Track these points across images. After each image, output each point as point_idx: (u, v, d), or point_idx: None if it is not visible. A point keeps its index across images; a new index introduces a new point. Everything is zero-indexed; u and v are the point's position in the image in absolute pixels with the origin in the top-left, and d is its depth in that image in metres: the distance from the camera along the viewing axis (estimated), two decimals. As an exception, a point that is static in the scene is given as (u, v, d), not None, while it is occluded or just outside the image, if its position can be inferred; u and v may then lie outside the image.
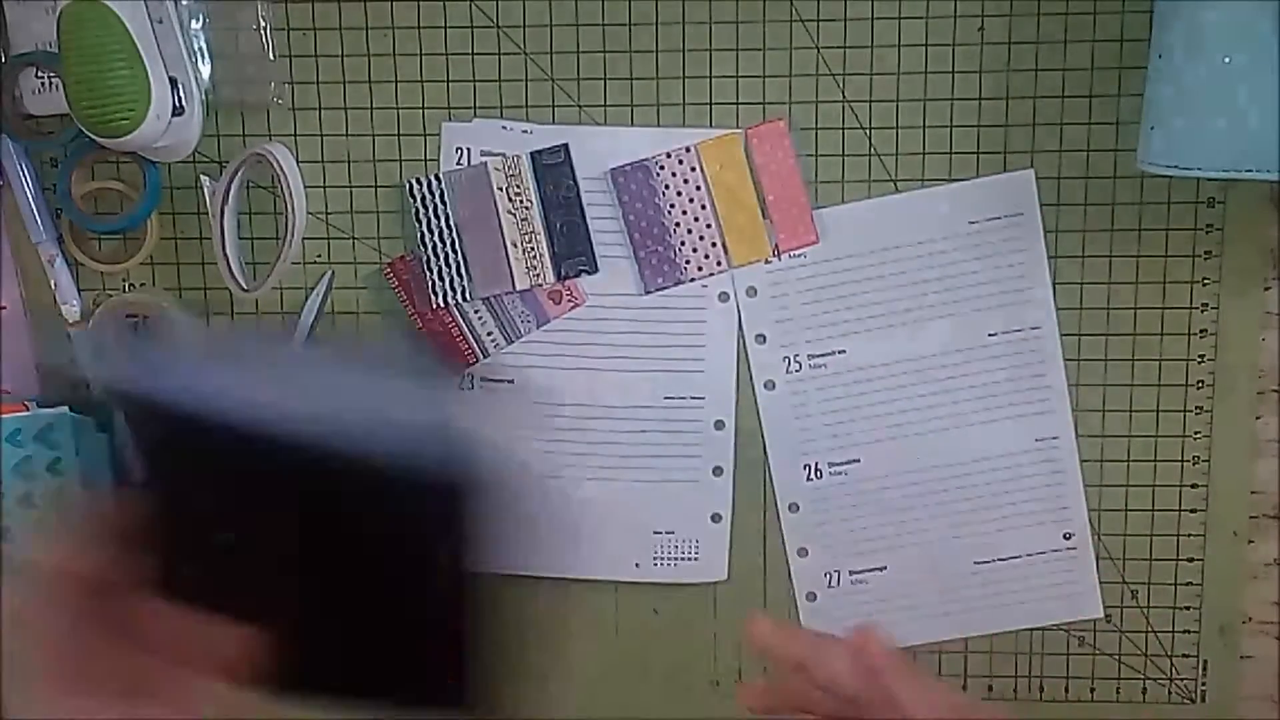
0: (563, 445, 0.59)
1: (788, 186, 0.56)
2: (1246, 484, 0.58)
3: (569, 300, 0.58)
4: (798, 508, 0.59)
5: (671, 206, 0.57)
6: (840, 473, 0.59)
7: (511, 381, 0.59)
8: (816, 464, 0.59)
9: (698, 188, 0.56)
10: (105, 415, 0.58)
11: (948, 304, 0.57)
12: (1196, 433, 0.58)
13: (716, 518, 0.60)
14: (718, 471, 0.59)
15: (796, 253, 0.57)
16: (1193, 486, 0.58)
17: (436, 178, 0.57)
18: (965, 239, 0.57)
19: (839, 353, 0.58)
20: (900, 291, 0.57)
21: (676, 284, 0.57)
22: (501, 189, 0.56)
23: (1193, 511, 0.58)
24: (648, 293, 0.57)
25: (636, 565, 0.60)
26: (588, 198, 0.57)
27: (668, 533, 0.60)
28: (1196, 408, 0.58)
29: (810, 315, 0.58)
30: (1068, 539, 0.59)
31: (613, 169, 0.56)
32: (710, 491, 0.59)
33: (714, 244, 0.57)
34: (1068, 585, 0.59)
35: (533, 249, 0.57)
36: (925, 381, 0.58)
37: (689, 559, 0.60)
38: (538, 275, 0.57)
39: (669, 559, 0.60)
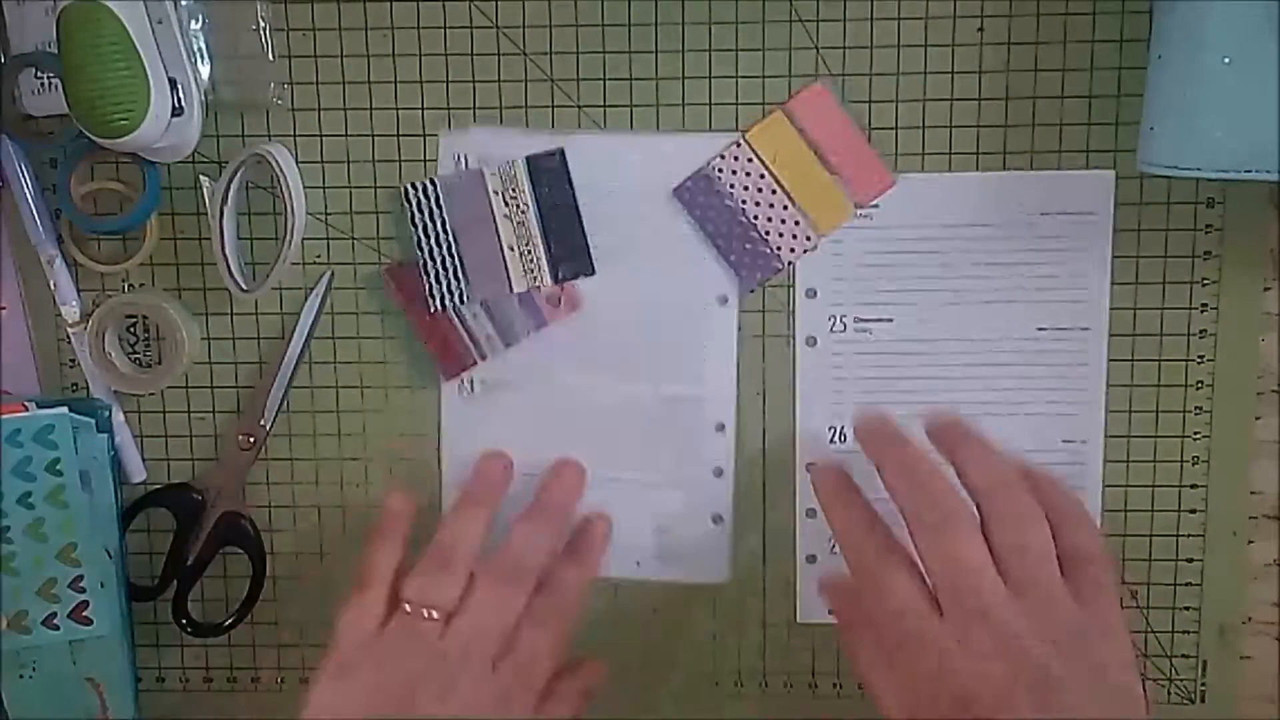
0: (561, 447, 0.59)
1: (847, 141, 0.56)
2: (1246, 484, 0.58)
3: (567, 305, 0.58)
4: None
5: (744, 204, 0.56)
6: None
7: (511, 384, 0.59)
8: (842, 428, 0.59)
9: (761, 177, 0.56)
10: (105, 415, 0.58)
11: (1001, 290, 0.57)
12: (1196, 433, 0.58)
13: (717, 519, 0.60)
14: (718, 473, 0.59)
15: (867, 210, 0.56)
16: (1192, 487, 0.58)
17: (432, 181, 0.57)
18: (1031, 229, 0.56)
19: (885, 320, 0.58)
20: (956, 270, 0.57)
21: (775, 273, 0.57)
22: (497, 192, 0.56)
23: (1192, 512, 0.58)
24: (751, 291, 0.57)
25: (637, 564, 0.60)
26: (584, 201, 0.57)
27: (669, 531, 0.60)
28: (1196, 408, 0.58)
29: (864, 279, 0.57)
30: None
31: (675, 187, 0.56)
32: (711, 492, 0.59)
33: (797, 223, 0.56)
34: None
35: (529, 252, 0.57)
36: (965, 365, 0.57)
37: (691, 557, 0.60)
38: (534, 278, 0.57)
39: (672, 557, 0.60)
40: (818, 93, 0.56)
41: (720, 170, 0.56)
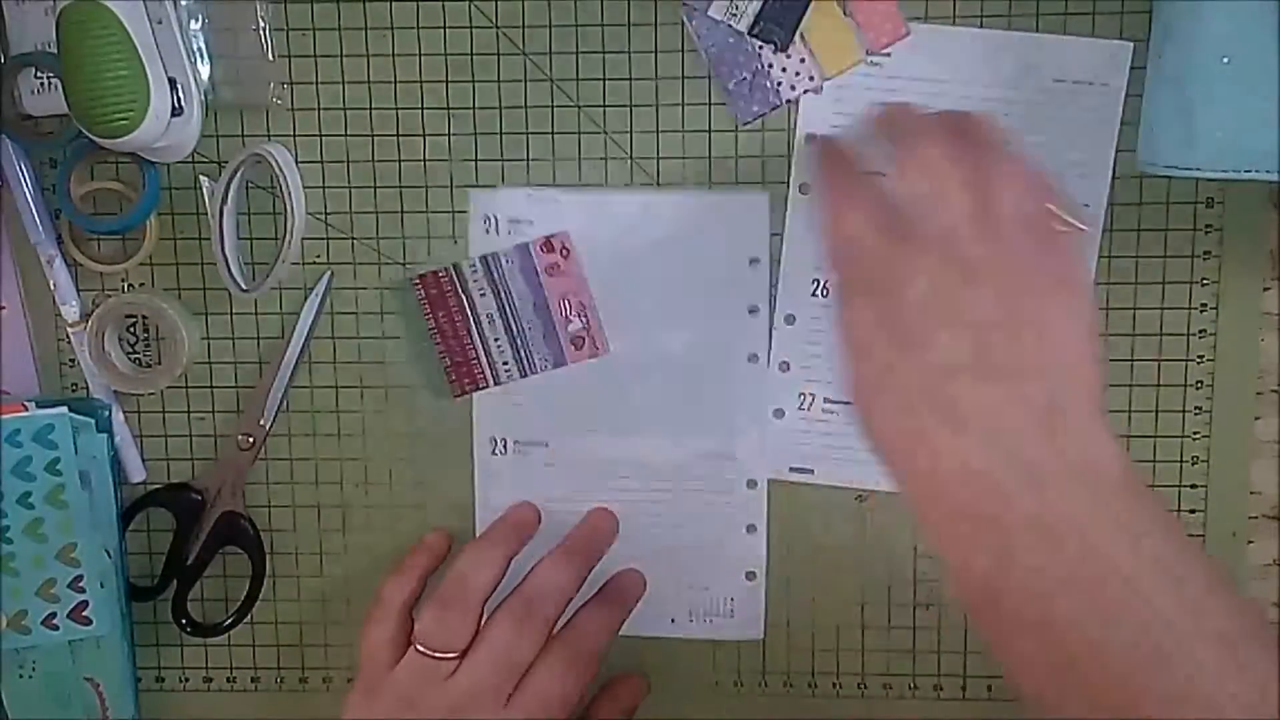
0: (592, 505, 0.59)
1: None
2: (1245, 485, 0.58)
3: (590, 349, 0.57)
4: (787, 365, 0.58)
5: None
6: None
7: (546, 445, 0.59)
8: (825, 283, 0.57)
9: None
10: (105, 415, 0.58)
11: None
12: (1196, 433, 0.58)
13: (751, 575, 0.59)
14: (751, 529, 0.59)
15: (878, 58, 0.55)
16: (1192, 487, 0.58)
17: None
18: (1043, 97, 0.55)
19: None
20: None
21: (773, 109, 0.55)
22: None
23: (1192, 512, 0.58)
24: (746, 124, 0.56)
25: (673, 621, 0.60)
26: (602, 264, 0.57)
27: (703, 588, 0.59)
28: (1196, 408, 0.58)
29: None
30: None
31: (685, 4, 0.54)
32: (744, 549, 0.59)
33: (803, 60, 0.55)
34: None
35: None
36: None
37: (725, 615, 0.60)
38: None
39: (706, 615, 0.60)
40: None
41: None
